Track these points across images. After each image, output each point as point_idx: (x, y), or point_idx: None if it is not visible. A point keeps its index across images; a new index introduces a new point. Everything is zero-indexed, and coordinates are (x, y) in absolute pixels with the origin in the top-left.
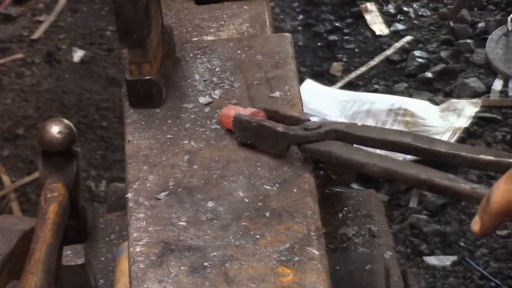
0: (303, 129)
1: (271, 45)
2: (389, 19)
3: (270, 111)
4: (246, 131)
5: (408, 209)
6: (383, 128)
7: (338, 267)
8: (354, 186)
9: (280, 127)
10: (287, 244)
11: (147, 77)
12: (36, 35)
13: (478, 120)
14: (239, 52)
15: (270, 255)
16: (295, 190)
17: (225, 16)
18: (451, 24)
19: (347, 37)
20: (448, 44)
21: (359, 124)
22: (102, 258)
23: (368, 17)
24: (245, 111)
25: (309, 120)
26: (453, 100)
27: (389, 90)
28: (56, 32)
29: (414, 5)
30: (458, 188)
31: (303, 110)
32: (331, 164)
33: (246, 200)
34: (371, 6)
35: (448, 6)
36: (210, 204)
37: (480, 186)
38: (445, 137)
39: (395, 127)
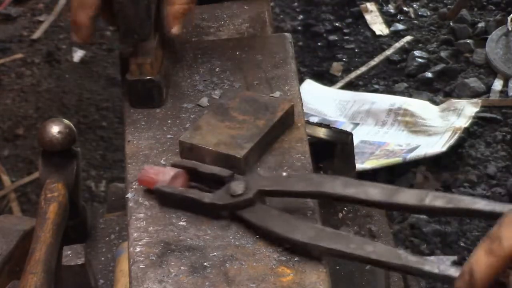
0: (230, 195)
1: (271, 45)
2: (389, 19)
3: (190, 168)
4: (174, 202)
5: None
6: (310, 175)
7: (338, 267)
8: None
9: (206, 198)
10: (287, 244)
11: (148, 77)
12: (36, 35)
13: (478, 120)
14: (239, 52)
15: (270, 255)
16: None
17: (225, 16)
18: (451, 24)
19: (347, 37)
20: (448, 44)
21: (284, 174)
22: (102, 258)
23: (368, 17)
24: (164, 175)
25: (231, 176)
26: (453, 100)
27: (389, 90)
28: (56, 32)
29: (414, 5)
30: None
31: (303, 110)
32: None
33: None
34: (371, 6)
35: (448, 6)
36: None
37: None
38: (445, 137)
39: (395, 127)
